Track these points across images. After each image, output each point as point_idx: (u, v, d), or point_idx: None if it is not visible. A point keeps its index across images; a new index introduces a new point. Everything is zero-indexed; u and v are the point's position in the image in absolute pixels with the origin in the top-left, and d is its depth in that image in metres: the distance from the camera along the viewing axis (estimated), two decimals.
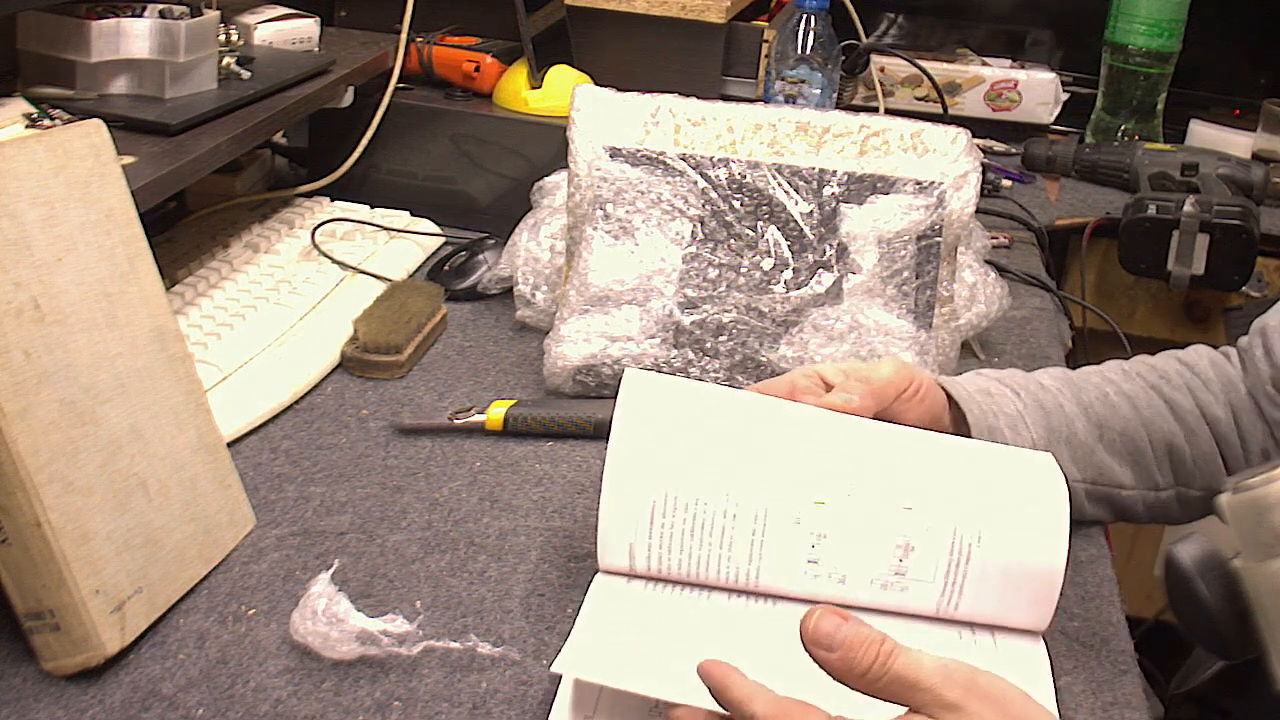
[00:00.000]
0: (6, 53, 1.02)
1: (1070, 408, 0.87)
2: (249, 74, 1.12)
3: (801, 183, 0.99)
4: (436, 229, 1.28)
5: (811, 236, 0.99)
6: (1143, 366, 0.92)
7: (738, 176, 0.99)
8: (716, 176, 0.99)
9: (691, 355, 0.98)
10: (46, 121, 0.95)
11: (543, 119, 1.30)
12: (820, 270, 0.99)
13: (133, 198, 0.74)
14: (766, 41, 1.48)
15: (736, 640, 0.69)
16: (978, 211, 1.05)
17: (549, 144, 1.26)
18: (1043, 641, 0.73)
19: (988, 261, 1.17)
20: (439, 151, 1.32)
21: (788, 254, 0.99)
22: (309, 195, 1.30)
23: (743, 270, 0.99)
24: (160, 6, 1.03)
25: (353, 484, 0.87)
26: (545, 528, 0.84)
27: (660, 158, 0.99)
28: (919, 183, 0.99)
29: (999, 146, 1.83)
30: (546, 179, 1.15)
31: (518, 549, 0.81)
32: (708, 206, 0.99)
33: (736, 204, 0.99)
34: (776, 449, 0.72)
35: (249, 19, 1.23)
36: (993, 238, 1.39)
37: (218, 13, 1.08)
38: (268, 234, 1.20)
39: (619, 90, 1.01)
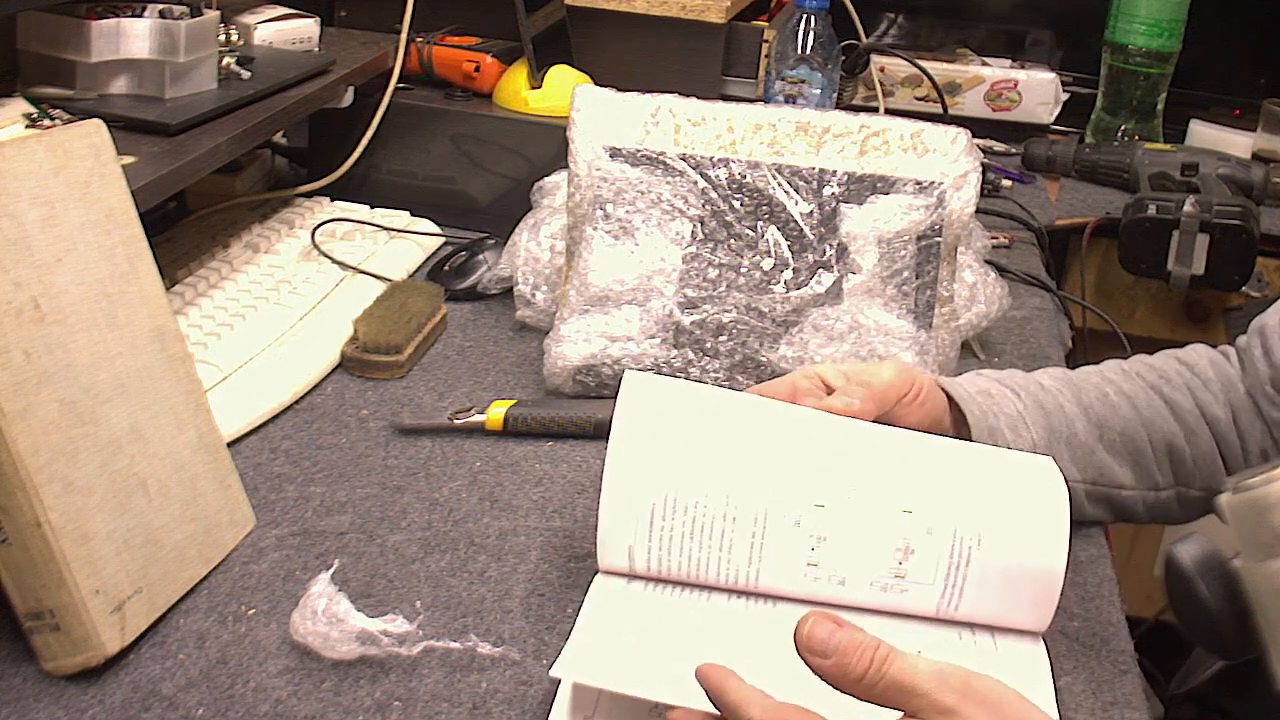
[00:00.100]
0: (6, 53, 1.02)
1: (1070, 408, 0.87)
2: (249, 74, 1.12)
3: (801, 183, 0.99)
4: (436, 229, 1.28)
5: (811, 236, 0.99)
6: (1142, 366, 0.92)
7: (738, 176, 0.99)
8: (716, 176, 0.99)
9: (691, 355, 0.98)
10: (46, 121, 0.95)
11: (543, 119, 1.30)
12: (820, 270, 0.99)
13: (133, 198, 0.74)
14: (766, 41, 1.48)
15: (736, 642, 0.69)
16: (978, 211, 1.06)
17: (549, 144, 1.26)
18: (1043, 642, 0.73)
19: (988, 261, 1.17)
20: (439, 151, 1.32)
21: (788, 254, 0.99)
22: (309, 195, 1.30)
23: (743, 270, 0.99)
24: (160, 6, 1.03)
25: (353, 484, 0.87)
26: (545, 528, 0.84)
27: (660, 158, 0.99)
28: (919, 183, 0.99)
29: (999, 146, 1.83)
30: (546, 179, 1.15)
31: (518, 549, 0.81)
32: (708, 206, 0.99)
33: (736, 204, 0.99)
34: (776, 451, 0.72)
35: (249, 19, 1.23)
36: (993, 238, 1.39)
37: (218, 13, 1.08)
38: (268, 234, 1.20)
39: (619, 90, 1.01)
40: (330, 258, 1.15)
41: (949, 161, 0.99)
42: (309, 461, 0.89)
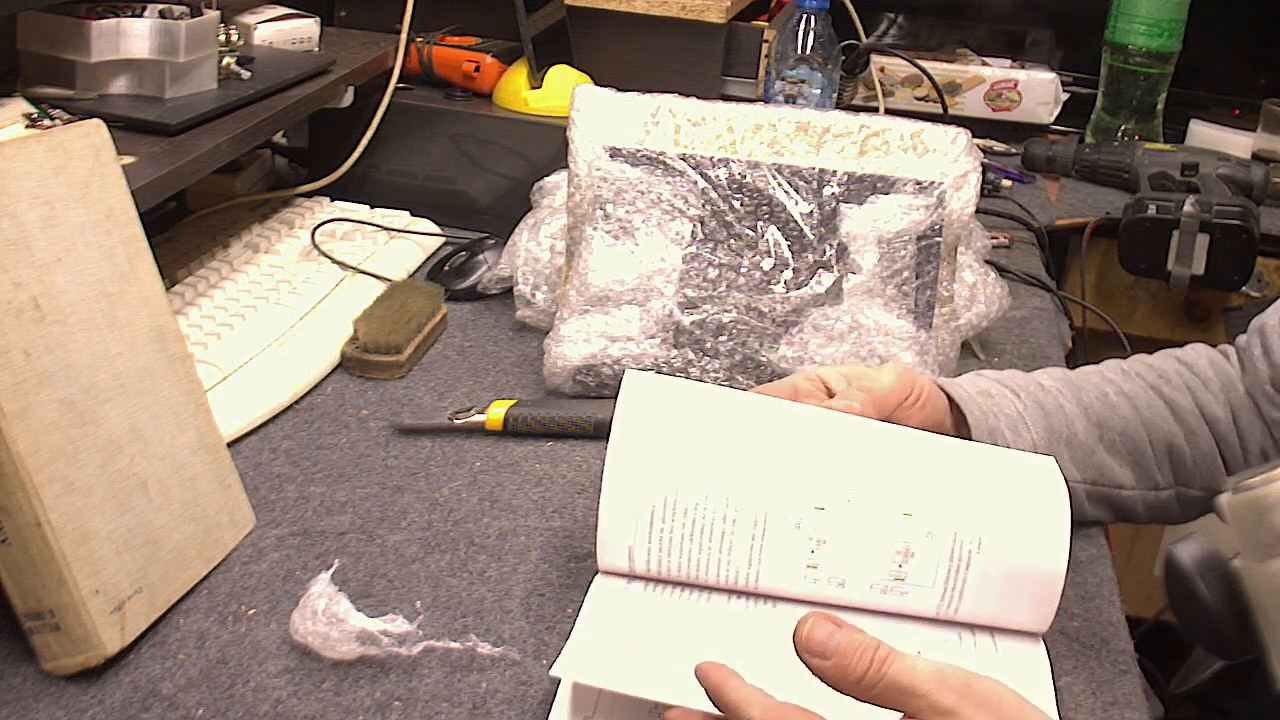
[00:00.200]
0: (6, 53, 1.02)
1: (1070, 408, 0.87)
2: (249, 74, 1.12)
3: (801, 183, 0.99)
4: (436, 229, 1.28)
5: (811, 236, 0.99)
6: (1142, 366, 0.92)
7: (738, 176, 0.99)
8: (716, 176, 0.99)
9: (691, 355, 0.98)
10: (46, 121, 0.95)
11: (543, 119, 1.30)
12: (820, 270, 0.99)
13: (133, 198, 0.74)
14: (766, 41, 1.48)
15: (736, 642, 0.69)
16: (978, 211, 1.05)
17: (549, 144, 1.26)
18: (1043, 643, 0.73)
19: (988, 261, 1.17)
20: (439, 151, 1.32)
21: (788, 254, 0.99)
22: (309, 195, 1.30)
23: (743, 270, 0.99)
24: (160, 6, 1.03)
25: (353, 484, 0.87)
26: (545, 528, 0.84)
27: (660, 158, 0.99)
28: (919, 183, 0.99)
29: (999, 146, 1.83)
30: (546, 179, 1.15)
31: (518, 549, 0.81)
32: (708, 206, 0.99)
33: (736, 204, 0.99)
34: (776, 452, 0.72)
35: (249, 19, 1.23)
36: (993, 238, 1.39)
37: (218, 13, 1.08)
38: (268, 234, 1.20)
39: (619, 90, 1.01)
40: (330, 258, 1.15)
41: (949, 161, 0.99)
42: (309, 461, 0.89)
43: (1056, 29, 2.06)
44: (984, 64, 1.86)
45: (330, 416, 0.95)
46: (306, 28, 1.29)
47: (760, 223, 0.99)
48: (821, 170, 0.99)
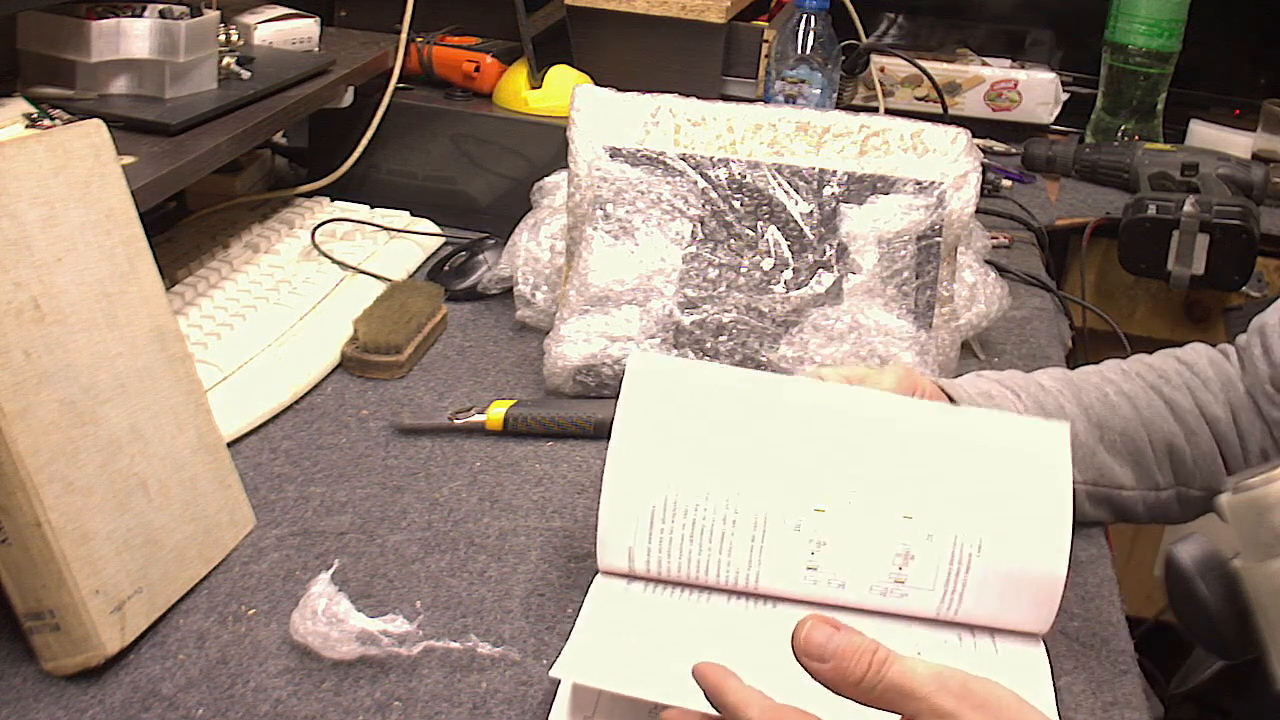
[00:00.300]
0: (6, 53, 1.02)
1: (1070, 409, 0.87)
2: (249, 74, 1.12)
3: (801, 183, 0.99)
4: (436, 229, 1.28)
5: (811, 236, 0.99)
6: (1142, 366, 0.92)
7: (738, 176, 0.99)
8: (716, 176, 0.99)
9: (691, 355, 0.98)
10: (46, 121, 0.95)
11: (543, 119, 1.30)
12: (820, 270, 0.99)
13: (133, 198, 0.74)
14: (766, 41, 1.48)
15: (735, 642, 0.69)
16: (978, 211, 1.05)
17: (549, 144, 1.26)
18: (1043, 644, 0.72)
19: (988, 261, 1.17)
20: (439, 151, 1.32)
21: (788, 254, 0.99)
22: (309, 195, 1.30)
23: (743, 270, 0.99)
24: (160, 6, 1.03)
25: (353, 484, 0.87)
26: (545, 528, 0.83)
27: (660, 158, 0.99)
28: (919, 183, 0.99)
29: (999, 146, 1.83)
30: (546, 179, 1.15)
31: (518, 549, 0.81)
32: (708, 206, 0.99)
33: (736, 204, 0.99)
34: (778, 448, 0.72)
35: (249, 19, 1.23)
36: (993, 238, 1.39)
37: (218, 13, 1.08)
38: (268, 234, 1.20)
39: (619, 90, 1.01)
40: (330, 258, 1.15)
41: (949, 161, 0.99)
42: (309, 461, 0.89)
43: (1056, 29, 2.06)
44: (984, 64, 1.86)
45: (330, 416, 0.95)
46: (306, 28, 1.29)
47: (760, 223, 0.99)
48: (821, 170, 0.99)
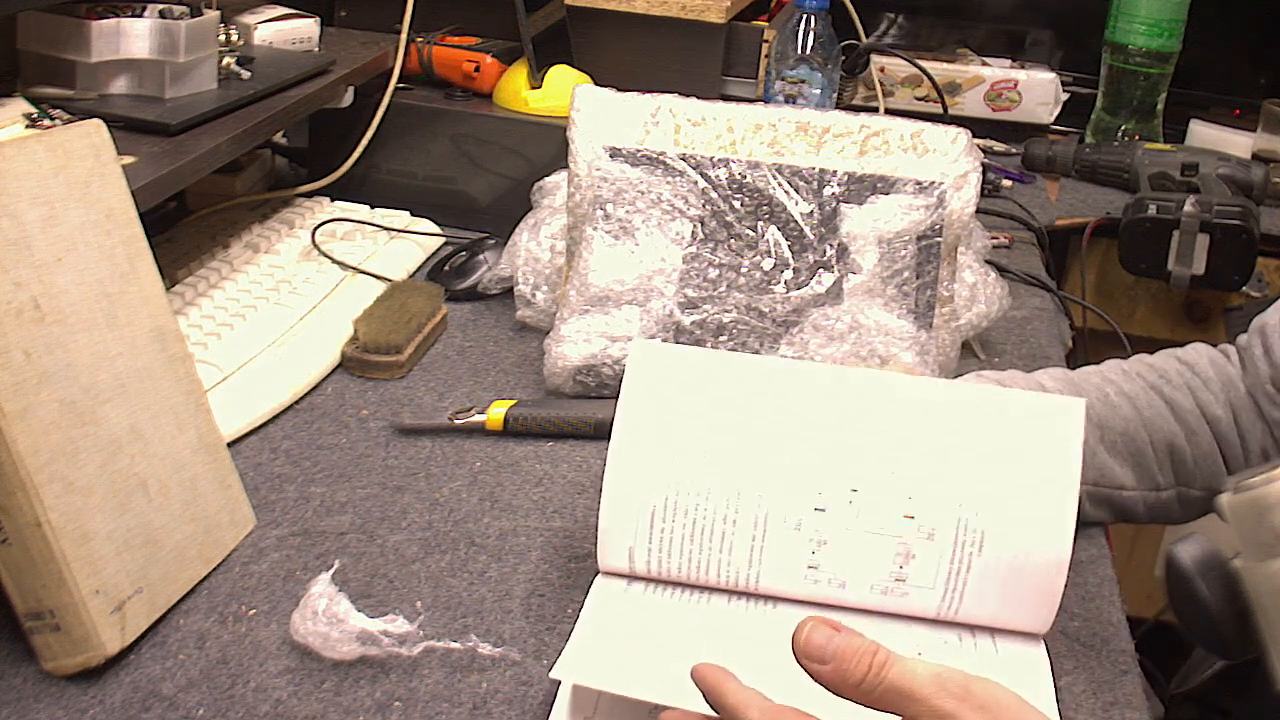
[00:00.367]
0: (6, 53, 1.02)
1: None
2: (249, 74, 1.12)
3: (801, 183, 0.99)
4: (436, 229, 1.28)
5: (812, 236, 0.99)
6: (1142, 366, 0.92)
7: (738, 176, 0.99)
8: (716, 176, 0.99)
9: None
10: (46, 121, 0.95)
11: (543, 119, 1.30)
12: (820, 270, 0.99)
13: (133, 198, 0.74)
14: (766, 41, 1.48)
15: (735, 643, 0.69)
16: (978, 211, 1.05)
17: (549, 144, 1.26)
18: (1043, 644, 0.72)
19: (988, 261, 1.17)
20: (439, 151, 1.32)
21: (788, 254, 0.99)
22: (309, 195, 1.30)
23: (743, 270, 0.99)
24: (160, 6, 1.03)
25: (353, 484, 0.87)
26: (545, 528, 0.83)
27: (660, 158, 0.99)
28: (919, 183, 0.99)
29: (999, 146, 1.83)
30: (546, 179, 1.15)
31: (518, 549, 0.81)
32: (708, 206, 0.99)
33: (736, 204, 0.99)
34: (778, 447, 0.72)
35: (249, 19, 1.23)
36: (993, 238, 1.39)
37: (218, 13, 1.08)
38: (268, 234, 1.20)
39: (619, 90, 1.01)
40: (330, 258, 1.15)
41: (949, 161, 0.99)
42: (309, 461, 0.89)
43: (1056, 29, 2.06)
44: (984, 64, 1.86)
45: (330, 416, 0.95)
46: (306, 28, 1.29)
47: (760, 223, 0.99)
48: (821, 170, 0.99)
